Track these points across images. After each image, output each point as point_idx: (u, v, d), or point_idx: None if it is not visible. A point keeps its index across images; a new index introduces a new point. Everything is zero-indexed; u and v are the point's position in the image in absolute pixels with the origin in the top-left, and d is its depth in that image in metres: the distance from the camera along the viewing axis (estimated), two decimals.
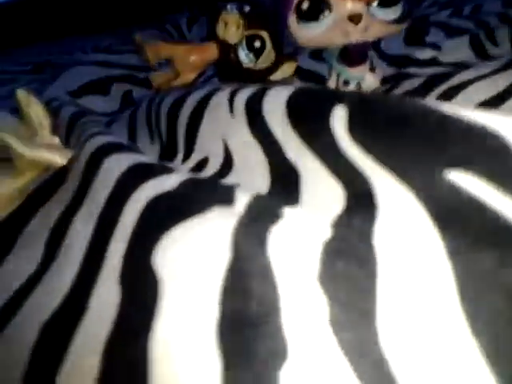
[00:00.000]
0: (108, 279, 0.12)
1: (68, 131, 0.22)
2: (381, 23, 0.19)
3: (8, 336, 0.12)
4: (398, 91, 0.23)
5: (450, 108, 0.11)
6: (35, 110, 0.22)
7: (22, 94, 0.22)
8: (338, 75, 0.23)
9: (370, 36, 0.20)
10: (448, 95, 0.20)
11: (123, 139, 0.24)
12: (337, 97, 0.13)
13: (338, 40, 0.20)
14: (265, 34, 0.28)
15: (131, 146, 0.17)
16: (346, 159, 0.12)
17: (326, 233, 0.11)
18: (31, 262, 0.15)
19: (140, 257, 0.11)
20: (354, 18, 0.19)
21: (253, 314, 0.10)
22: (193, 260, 0.11)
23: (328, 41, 0.20)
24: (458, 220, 0.10)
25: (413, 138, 0.11)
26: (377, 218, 0.11)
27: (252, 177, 0.15)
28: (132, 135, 0.25)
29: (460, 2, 0.44)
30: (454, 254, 0.10)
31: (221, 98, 0.18)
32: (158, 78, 0.33)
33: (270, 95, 0.15)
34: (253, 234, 0.11)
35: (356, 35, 0.19)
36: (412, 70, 0.29)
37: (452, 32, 0.34)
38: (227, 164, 0.17)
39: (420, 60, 0.30)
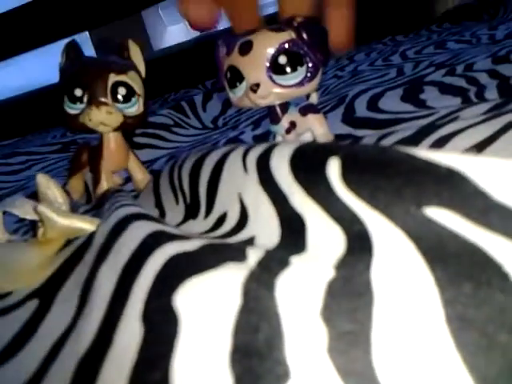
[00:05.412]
0: (131, 317, 0.13)
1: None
2: (281, 88, 0.23)
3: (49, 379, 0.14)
4: (392, 139, 0.25)
5: (424, 153, 0.12)
6: (53, 192, 0.24)
7: (42, 178, 0.24)
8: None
9: (272, 100, 0.24)
10: (440, 143, 0.21)
11: (151, 205, 0.26)
12: (331, 149, 0.15)
13: (248, 104, 0.24)
14: None
15: (156, 218, 0.19)
16: (342, 204, 0.14)
17: (330, 274, 0.13)
18: (68, 314, 0.16)
19: (161, 300, 0.13)
20: (252, 88, 0.23)
21: (260, 347, 0.11)
22: (208, 302, 0.12)
23: (243, 104, 0.24)
24: (438, 249, 0.11)
25: (394, 181, 0.12)
26: (373, 255, 0.12)
27: (264, 228, 0.17)
28: (158, 200, 0.27)
29: (454, 61, 0.47)
30: (440, 280, 0.11)
31: (235, 158, 0.20)
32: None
33: (277, 152, 0.17)
34: (261, 281, 0.12)
35: (258, 101, 0.23)
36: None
37: (445, 89, 0.37)
38: (243, 218, 0.19)
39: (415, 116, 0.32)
